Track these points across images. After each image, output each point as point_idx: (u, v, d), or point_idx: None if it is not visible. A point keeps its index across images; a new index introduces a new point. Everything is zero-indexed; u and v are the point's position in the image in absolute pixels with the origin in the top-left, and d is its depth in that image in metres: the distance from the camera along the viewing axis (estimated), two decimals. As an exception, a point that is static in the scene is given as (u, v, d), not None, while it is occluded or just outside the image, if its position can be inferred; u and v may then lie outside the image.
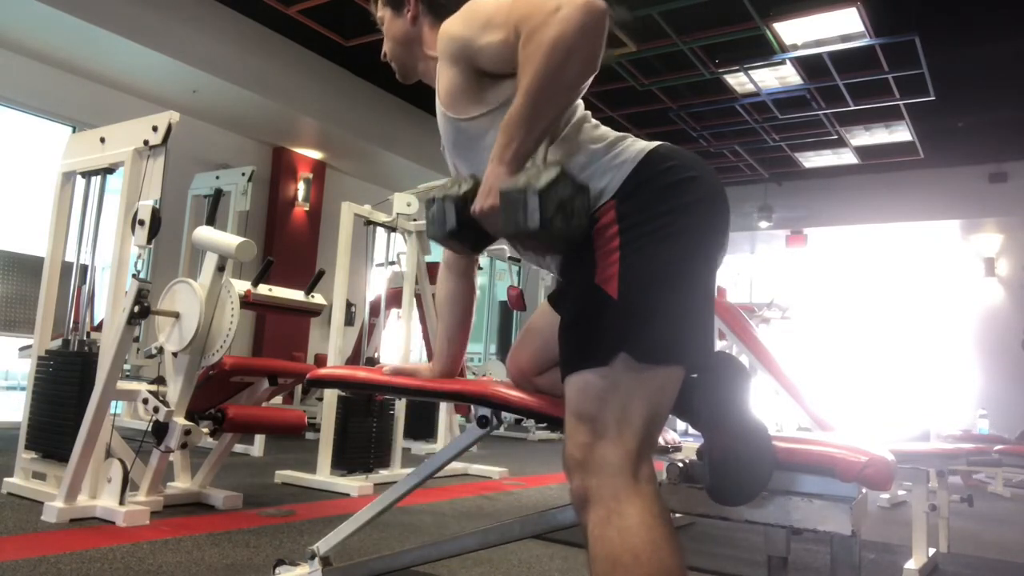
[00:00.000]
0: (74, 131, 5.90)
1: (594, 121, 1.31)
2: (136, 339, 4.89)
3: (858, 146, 8.76)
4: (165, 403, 2.70)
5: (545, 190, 1.07)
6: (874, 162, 9.26)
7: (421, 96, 7.95)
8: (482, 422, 1.50)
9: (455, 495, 3.77)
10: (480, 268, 3.68)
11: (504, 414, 1.47)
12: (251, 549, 2.36)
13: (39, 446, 2.92)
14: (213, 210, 3.61)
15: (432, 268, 4.90)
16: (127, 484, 2.64)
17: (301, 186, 8.30)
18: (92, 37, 5.59)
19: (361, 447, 3.90)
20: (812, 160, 9.38)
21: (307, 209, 8.32)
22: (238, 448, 4.67)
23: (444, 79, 1.31)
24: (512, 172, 1.13)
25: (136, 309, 2.59)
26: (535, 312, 1.55)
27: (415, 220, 4.37)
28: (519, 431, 8.06)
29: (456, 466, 4.41)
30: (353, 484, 3.60)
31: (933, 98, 7.10)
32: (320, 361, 6.35)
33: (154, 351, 3.70)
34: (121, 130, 2.92)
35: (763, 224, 10.00)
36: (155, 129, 2.75)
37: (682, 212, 1.15)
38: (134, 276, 2.65)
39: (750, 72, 6.90)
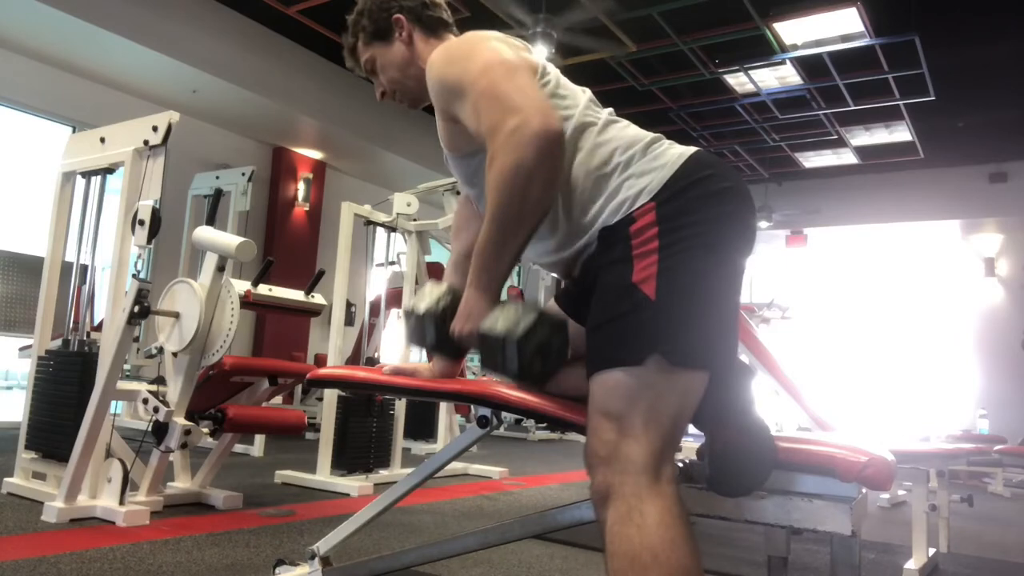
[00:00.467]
0: (74, 131, 5.90)
1: (623, 121, 1.32)
2: (136, 339, 4.89)
3: (858, 146, 8.76)
4: (165, 403, 2.70)
5: (524, 338, 1.11)
6: (874, 162, 9.26)
7: (421, 96, 7.94)
8: (482, 422, 1.50)
9: (455, 495, 3.77)
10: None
11: (504, 414, 1.47)
12: (251, 549, 2.36)
13: (39, 446, 2.92)
14: (213, 210, 3.60)
15: (432, 268, 4.91)
16: (127, 484, 2.64)
17: (301, 186, 8.30)
18: (92, 37, 5.59)
19: (361, 447, 3.90)
20: (812, 160, 9.38)
21: (307, 209, 8.32)
22: (238, 448, 4.67)
23: (438, 122, 1.35)
24: (490, 299, 1.19)
25: (136, 309, 2.59)
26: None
27: (415, 220, 4.37)
28: (519, 431, 8.05)
29: (456, 466, 4.41)
30: (353, 484, 3.60)
31: (933, 98, 7.10)
32: (320, 361, 6.35)
33: (154, 351, 3.71)
34: (121, 130, 2.92)
35: (763, 224, 9.99)
36: (155, 129, 2.75)
37: (720, 222, 1.17)
38: (134, 276, 2.65)
39: (750, 72, 6.90)
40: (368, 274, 4.69)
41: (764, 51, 6.46)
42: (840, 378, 9.36)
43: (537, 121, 1.10)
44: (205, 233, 2.86)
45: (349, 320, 5.61)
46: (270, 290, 3.60)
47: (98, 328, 3.00)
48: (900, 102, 7.33)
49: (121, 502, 2.61)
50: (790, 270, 10.50)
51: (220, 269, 2.82)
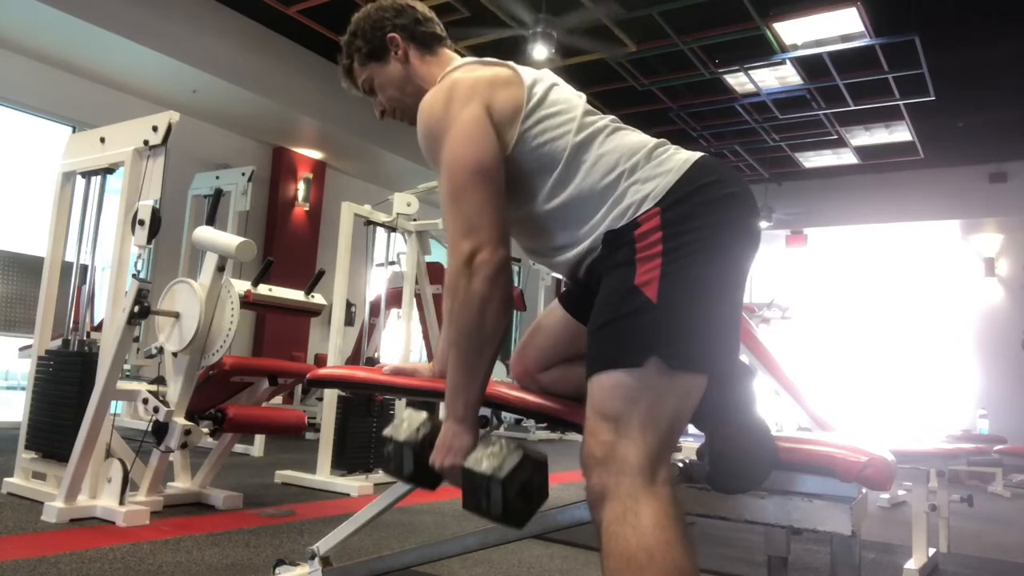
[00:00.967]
0: (74, 131, 5.90)
1: (626, 127, 1.33)
2: (136, 339, 4.88)
3: (858, 146, 8.76)
4: (165, 403, 2.70)
5: (508, 479, 1.13)
6: (874, 162, 9.26)
7: (421, 96, 7.94)
8: (482, 422, 1.50)
9: (455, 495, 3.75)
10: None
11: (504, 414, 1.48)
12: (251, 549, 2.36)
13: (39, 446, 2.91)
14: (213, 210, 3.60)
15: (432, 268, 4.91)
16: (127, 484, 2.64)
17: (301, 186, 8.30)
18: (92, 37, 5.59)
19: (361, 447, 3.90)
20: (812, 160, 9.38)
21: (307, 209, 8.32)
22: (238, 448, 4.67)
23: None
24: (469, 429, 1.21)
25: (136, 309, 2.59)
26: (544, 311, 1.56)
27: (415, 220, 4.37)
28: (519, 431, 8.05)
29: (456, 466, 4.41)
30: (353, 484, 3.60)
31: (933, 98, 7.10)
32: (320, 361, 6.34)
33: (154, 351, 3.70)
34: (121, 130, 2.92)
35: (763, 224, 9.98)
36: (155, 129, 2.75)
37: (724, 227, 1.18)
38: (134, 276, 2.65)
39: (750, 72, 6.90)
40: (368, 274, 4.69)
41: (764, 51, 6.45)
42: (840, 378, 9.35)
43: (486, 253, 1.17)
44: (205, 233, 2.86)
45: (349, 320, 5.61)
46: (270, 290, 3.60)
47: (98, 328, 3.00)
48: (900, 102, 7.33)
49: (121, 502, 2.61)
50: (790, 270, 10.49)
51: (220, 269, 2.82)
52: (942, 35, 6.04)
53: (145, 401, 2.73)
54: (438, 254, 5.30)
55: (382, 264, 4.78)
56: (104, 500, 2.66)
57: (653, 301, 1.12)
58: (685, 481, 1.32)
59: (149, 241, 2.65)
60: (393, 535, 2.69)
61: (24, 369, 4.88)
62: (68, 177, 3.15)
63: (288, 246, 8.02)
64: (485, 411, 1.50)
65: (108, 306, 2.75)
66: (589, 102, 1.38)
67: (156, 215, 2.64)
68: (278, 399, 5.52)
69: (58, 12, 5.21)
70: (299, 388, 6.10)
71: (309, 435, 5.63)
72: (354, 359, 5.87)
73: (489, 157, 1.22)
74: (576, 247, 1.27)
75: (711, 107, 7.92)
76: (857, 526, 1.19)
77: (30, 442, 2.94)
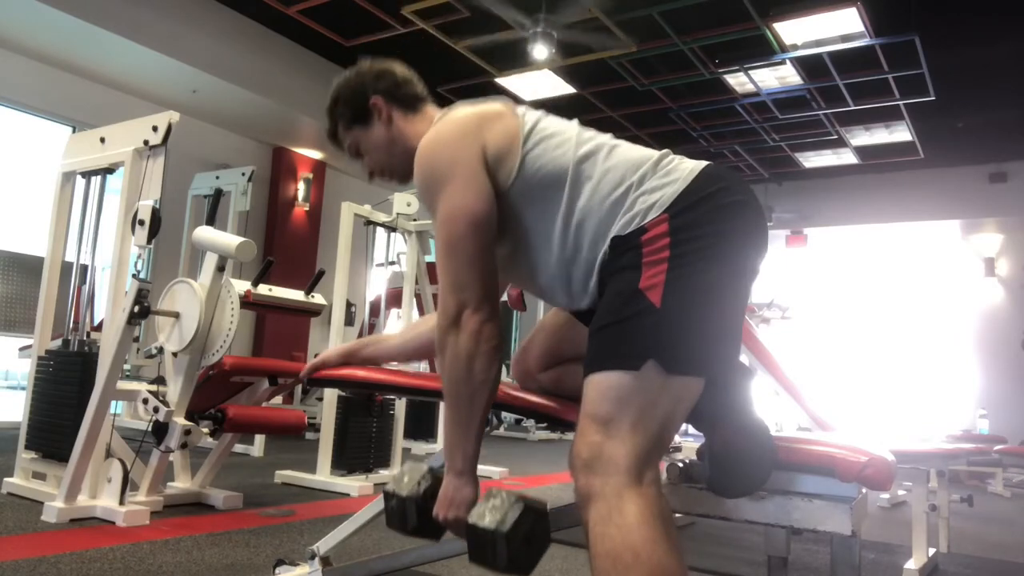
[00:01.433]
0: (74, 131, 5.90)
1: (625, 143, 1.34)
2: (136, 339, 4.89)
3: (858, 146, 8.76)
4: (165, 403, 2.70)
5: (512, 531, 1.16)
6: (874, 162, 9.26)
7: (421, 96, 7.95)
8: (482, 422, 1.50)
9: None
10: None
11: (504, 414, 1.48)
12: (251, 549, 2.36)
13: (39, 446, 2.91)
14: (213, 210, 3.60)
15: (432, 268, 4.91)
16: (127, 484, 2.64)
17: (301, 186, 8.30)
18: (92, 37, 5.59)
19: (361, 447, 3.90)
20: (812, 160, 9.38)
21: (307, 209, 8.32)
22: (238, 448, 4.67)
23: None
24: (469, 481, 1.26)
25: (136, 309, 2.58)
26: (549, 313, 1.56)
27: (415, 220, 4.37)
28: (519, 431, 8.05)
29: (456, 466, 4.41)
30: (353, 484, 3.60)
31: (933, 98, 7.09)
32: (320, 361, 6.33)
33: (154, 351, 3.70)
34: (121, 130, 2.92)
35: (763, 224, 10.00)
36: (155, 129, 2.75)
37: (731, 235, 1.19)
38: (134, 276, 2.65)
39: (750, 72, 6.90)
40: (368, 274, 4.70)
41: (764, 51, 6.45)
42: (840, 378, 9.36)
43: (472, 310, 1.22)
44: (205, 233, 2.86)
45: (349, 320, 5.61)
46: (270, 290, 3.60)
47: (98, 328, 3.00)
48: (900, 102, 7.33)
49: (121, 502, 2.61)
50: (790, 270, 10.49)
51: (220, 269, 2.82)
52: (942, 35, 6.04)
53: (145, 401, 2.73)
54: (438, 254, 5.28)
55: (382, 264, 4.78)
56: (104, 500, 2.66)
57: (656, 305, 1.12)
58: (685, 481, 1.32)
59: (149, 241, 2.65)
60: (393, 535, 2.67)
61: (24, 369, 4.88)
62: (68, 177, 3.15)
63: (288, 246, 8.02)
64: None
65: (108, 306, 2.75)
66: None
67: (156, 215, 2.64)
68: (278, 399, 5.52)
69: (58, 12, 5.21)
70: (299, 388, 6.10)
71: (309, 435, 5.63)
72: (354, 359, 5.86)
73: (482, 209, 1.24)
74: (589, 264, 1.26)
75: (711, 107, 7.92)
76: (857, 526, 1.19)
77: (30, 442, 2.94)
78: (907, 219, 9.52)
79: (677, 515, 1.28)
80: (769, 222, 9.68)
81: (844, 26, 5.83)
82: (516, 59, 6.72)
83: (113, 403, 2.74)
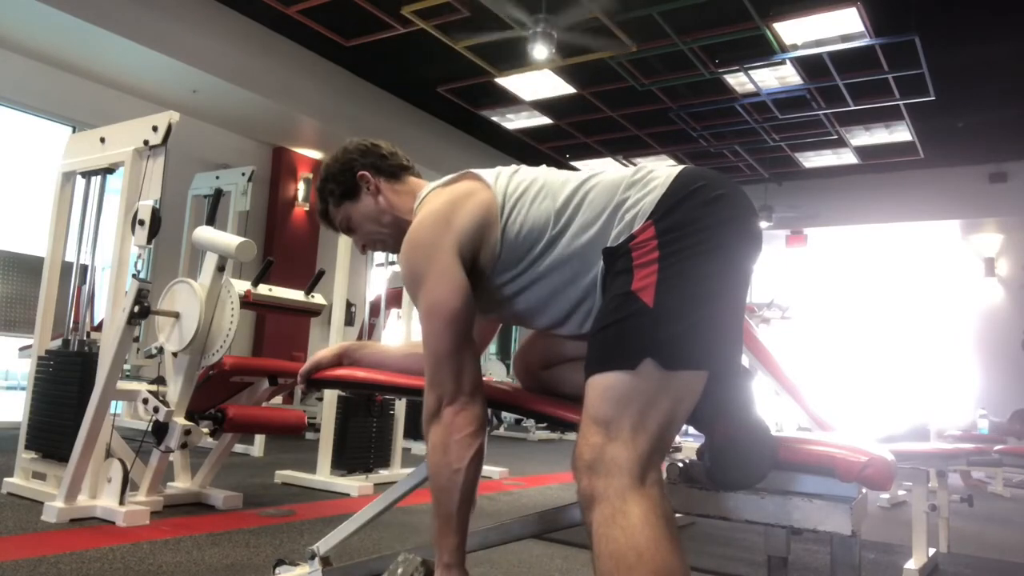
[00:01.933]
0: (74, 131, 5.90)
1: (598, 171, 1.37)
2: (136, 339, 4.89)
3: (858, 146, 8.76)
4: (165, 403, 2.70)
5: None
6: (874, 162, 9.26)
7: (421, 96, 7.97)
8: (482, 422, 1.50)
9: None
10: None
11: (504, 414, 1.49)
12: (251, 549, 2.36)
13: (39, 446, 2.92)
14: (213, 210, 3.60)
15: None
16: (127, 484, 2.64)
17: (301, 186, 8.30)
18: (92, 37, 5.59)
19: (361, 447, 3.90)
20: (812, 160, 9.38)
21: (307, 209, 8.32)
22: (238, 448, 4.67)
23: None
24: (460, 573, 1.28)
25: (136, 309, 2.59)
26: None
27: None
28: (519, 431, 8.05)
29: (456, 466, 4.41)
30: (353, 484, 3.60)
31: (933, 98, 7.10)
32: (320, 361, 6.33)
33: (154, 351, 3.70)
34: (121, 130, 2.92)
35: (763, 224, 10.01)
36: (155, 129, 2.75)
37: (717, 229, 1.20)
38: (134, 276, 2.65)
39: (750, 72, 6.90)
40: (368, 274, 4.70)
41: (764, 51, 6.45)
42: (840, 378, 9.36)
43: (447, 403, 1.28)
44: (205, 233, 2.86)
45: (349, 320, 5.61)
46: (270, 290, 3.60)
47: (98, 328, 3.00)
48: (900, 102, 7.33)
49: (121, 502, 2.61)
50: (790, 270, 10.50)
51: (220, 269, 2.82)
52: (942, 35, 6.04)
53: (145, 401, 2.73)
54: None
55: (382, 264, 4.78)
56: (104, 500, 2.66)
57: (649, 306, 1.14)
58: (685, 481, 1.32)
59: (149, 241, 2.65)
60: (393, 535, 2.69)
61: (24, 369, 4.88)
62: (68, 177, 3.15)
63: (288, 246, 8.02)
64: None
65: (108, 306, 2.76)
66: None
67: (156, 215, 2.64)
68: (278, 399, 5.53)
69: (58, 12, 5.20)
70: (299, 388, 6.09)
71: (309, 435, 5.63)
72: (354, 359, 5.86)
73: (456, 304, 1.28)
74: (593, 287, 1.28)
75: (711, 107, 7.92)
76: (857, 526, 1.19)
77: (30, 442, 2.94)
78: (907, 219, 9.52)
79: (677, 515, 1.28)
80: (769, 222, 9.70)
81: (844, 26, 5.84)
82: (516, 59, 6.72)
83: (113, 403, 2.74)
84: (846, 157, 9.14)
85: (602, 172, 1.36)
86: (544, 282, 1.32)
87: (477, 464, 1.30)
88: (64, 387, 2.87)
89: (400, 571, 1.41)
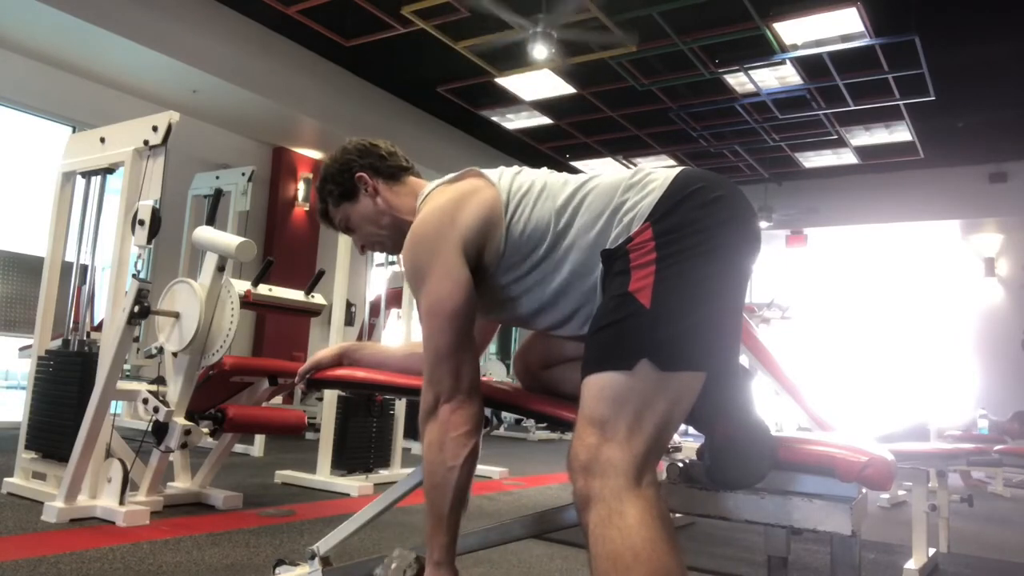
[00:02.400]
0: (74, 131, 5.90)
1: (596, 173, 1.38)
2: (136, 339, 4.89)
3: (858, 146, 8.76)
4: (165, 403, 2.70)
5: None
6: (874, 162, 9.26)
7: (421, 96, 7.97)
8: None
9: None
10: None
11: (504, 414, 1.49)
12: (251, 549, 2.36)
13: (39, 446, 2.92)
14: (213, 210, 3.60)
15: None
16: (127, 484, 2.64)
17: (301, 186, 8.30)
18: (92, 37, 5.59)
19: (361, 447, 3.90)
20: (812, 160, 9.38)
21: (307, 209, 8.32)
22: (238, 448, 4.67)
23: None
24: (448, 572, 1.29)
25: (136, 309, 2.59)
26: None
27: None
28: (519, 431, 8.05)
29: (456, 466, 4.41)
30: (353, 484, 3.60)
31: (933, 98, 7.10)
32: (320, 361, 6.33)
33: (154, 351, 3.70)
34: (121, 130, 2.92)
35: (763, 224, 10.00)
36: (155, 129, 2.75)
37: (715, 230, 1.20)
38: (134, 276, 2.65)
39: (750, 72, 6.90)
40: (368, 274, 4.70)
41: (764, 51, 6.45)
42: (840, 378, 9.35)
43: (443, 401, 1.28)
44: (205, 233, 2.86)
45: (349, 320, 5.61)
46: (270, 290, 3.60)
47: (98, 328, 3.00)
48: (900, 102, 7.33)
49: (121, 502, 2.61)
50: (790, 270, 10.50)
51: (220, 269, 2.82)
52: (942, 35, 6.04)
53: (145, 401, 2.73)
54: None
55: (382, 264, 4.78)
56: (104, 500, 2.66)
57: (646, 306, 1.14)
58: (685, 481, 1.32)
59: (149, 241, 2.65)
60: (393, 535, 2.69)
61: (24, 369, 4.88)
62: (68, 177, 3.15)
63: (288, 246, 8.02)
64: (485, 411, 1.50)
65: (108, 306, 2.76)
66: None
67: (156, 215, 2.64)
68: (278, 399, 5.53)
69: (58, 12, 5.20)
70: (299, 388, 6.09)
71: (309, 435, 5.63)
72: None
73: (458, 301, 1.28)
74: (595, 288, 1.28)
75: (711, 107, 7.92)
76: (857, 526, 1.19)
77: (30, 442, 2.94)
78: (907, 219, 9.52)
79: (677, 515, 1.28)
80: (769, 222, 9.70)
81: (844, 26, 5.84)
82: (516, 59, 6.71)
83: (113, 403, 2.74)
84: (846, 157, 9.14)
85: (601, 174, 1.36)
86: (547, 283, 1.32)
87: (471, 463, 1.30)
88: (64, 387, 2.87)
89: (394, 566, 1.41)
